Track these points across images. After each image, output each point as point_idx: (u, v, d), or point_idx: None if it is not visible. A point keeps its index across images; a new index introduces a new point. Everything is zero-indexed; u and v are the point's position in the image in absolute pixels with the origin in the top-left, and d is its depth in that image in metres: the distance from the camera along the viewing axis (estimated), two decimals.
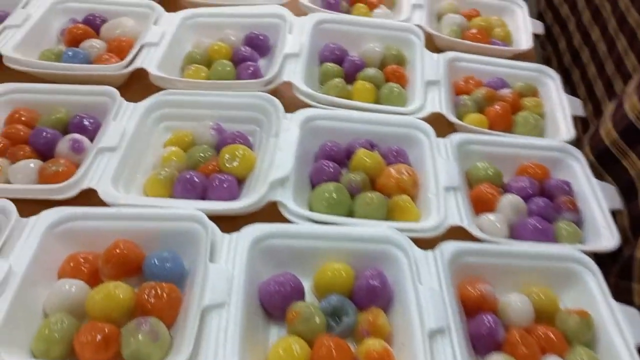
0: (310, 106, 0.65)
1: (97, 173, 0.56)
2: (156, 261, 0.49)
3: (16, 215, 0.50)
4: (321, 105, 0.65)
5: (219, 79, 0.68)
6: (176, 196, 0.56)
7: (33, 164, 0.58)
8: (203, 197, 0.57)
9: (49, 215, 0.50)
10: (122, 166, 0.57)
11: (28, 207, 0.52)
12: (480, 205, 0.58)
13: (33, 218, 0.50)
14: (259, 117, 0.63)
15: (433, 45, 0.78)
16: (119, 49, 0.71)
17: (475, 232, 0.54)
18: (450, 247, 0.51)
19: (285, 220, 0.53)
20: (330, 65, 0.71)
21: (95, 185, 0.54)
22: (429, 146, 0.61)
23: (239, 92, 0.65)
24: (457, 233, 0.54)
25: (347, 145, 0.62)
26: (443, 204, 0.55)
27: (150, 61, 0.68)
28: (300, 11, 0.78)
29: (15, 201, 0.52)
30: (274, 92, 0.66)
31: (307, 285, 0.50)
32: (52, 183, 0.55)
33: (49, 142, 0.60)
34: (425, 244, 0.52)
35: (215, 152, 0.61)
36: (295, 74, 0.67)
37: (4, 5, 0.77)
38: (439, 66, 0.72)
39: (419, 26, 0.76)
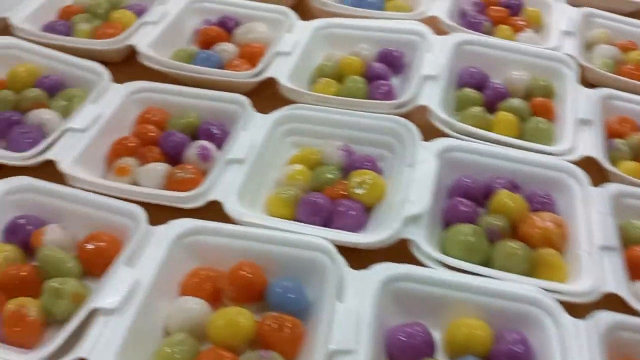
0: (445, 135, 0.60)
1: (224, 185, 0.54)
2: (281, 290, 0.46)
3: (145, 222, 0.49)
4: (457, 135, 0.60)
5: (350, 96, 0.64)
6: (300, 218, 0.54)
7: (161, 167, 0.57)
8: (326, 223, 0.54)
9: (177, 226, 0.49)
10: (249, 180, 0.55)
11: (151, 211, 0.51)
12: (636, 271, 0.51)
13: (162, 227, 0.49)
14: (391, 142, 0.59)
15: (581, 78, 0.70)
16: (250, 54, 0.70)
17: (635, 303, 0.47)
18: (606, 318, 0.45)
19: (413, 260, 0.49)
20: (469, 91, 0.66)
21: (221, 199, 0.52)
22: (581, 195, 0.54)
23: (371, 113, 0.61)
24: (610, 302, 0.47)
25: (486, 182, 0.56)
26: (597, 266, 0.49)
27: (281, 71, 0.66)
28: (437, 29, 0.73)
29: (139, 204, 0.51)
30: (406, 116, 0.61)
31: (436, 337, 0.45)
32: (178, 190, 0.54)
33: (178, 146, 0.59)
34: (572, 309, 0.46)
35: (342, 174, 0.58)
36: (432, 99, 0.62)
37: None
38: (592, 103, 0.64)
39: (571, 56, 0.69)
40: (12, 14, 0.72)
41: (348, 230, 0.52)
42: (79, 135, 0.58)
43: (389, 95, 0.65)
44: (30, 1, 0.74)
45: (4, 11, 0.72)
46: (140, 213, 0.49)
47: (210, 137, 0.60)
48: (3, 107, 0.62)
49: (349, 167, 0.58)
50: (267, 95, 0.66)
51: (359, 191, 0.55)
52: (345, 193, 0.55)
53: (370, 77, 0.67)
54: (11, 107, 0.62)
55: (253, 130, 0.59)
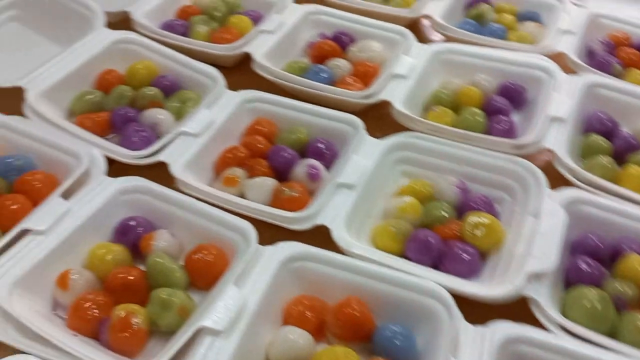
0: (566, 183, 0.56)
1: (332, 210, 0.52)
2: (390, 334, 0.43)
3: (256, 242, 0.47)
4: (581, 185, 0.55)
5: (467, 129, 0.61)
6: (408, 255, 0.51)
7: (270, 182, 0.56)
8: (435, 263, 0.51)
9: (286, 249, 0.47)
10: (357, 208, 0.53)
11: (255, 226, 0.49)
12: None
13: (270, 248, 0.47)
14: (512, 186, 0.56)
15: None
16: (364, 73, 0.68)
17: None
18: None
19: (529, 318, 0.45)
20: (598, 138, 0.61)
21: (329, 224, 0.51)
22: None
23: (489, 150, 0.58)
24: None
25: (614, 243, 0.52)
26: None
27: (395, 95, 0.63)
28: (563, 65, 0.68)
29: (245, 218, 0.50)
30: (527, 158, 0.58)
31: None
32: (283, 208, 0.52)
33: (287, 162, 0.57)
34: None
35: (455, 213, 0.55)
36: (559, 143, 0.58)
37: (255, 5, 0.78)
38: None
39: None
40: (133, 9, 0.73)
41: (459, 276, 0.49)
42: (192, 140, 0.58)
43: (509, 132, 0.61)
44: None
45: (127, 4, 0.73)
46: (252, 231, 0.48)
47: (319, 156, 0.58)
48: (121, 103, 0.62)
49: (463, 206, 0.55)
50: (375, 117, 0.64)
51: (474, 234, 0.51)
52: (459, 234, 0.52)
53: (490, 110, 0.64)
54: (127, 102, 0.63)
55: (364, 154, 0.57)
